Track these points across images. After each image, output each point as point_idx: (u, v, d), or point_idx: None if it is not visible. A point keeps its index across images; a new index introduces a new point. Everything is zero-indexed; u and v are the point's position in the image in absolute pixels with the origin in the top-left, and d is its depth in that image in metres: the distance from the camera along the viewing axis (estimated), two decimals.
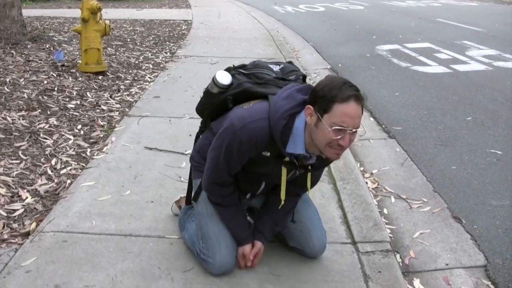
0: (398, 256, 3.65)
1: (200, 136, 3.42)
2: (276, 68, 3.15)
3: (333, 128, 2.54)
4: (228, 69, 3.15)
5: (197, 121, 3.66)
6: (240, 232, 3.19)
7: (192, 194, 3.38)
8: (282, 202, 3.08)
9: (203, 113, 3.33)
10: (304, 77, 3.15)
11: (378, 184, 4.80)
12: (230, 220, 3.16)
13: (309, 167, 2.96)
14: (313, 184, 3.23)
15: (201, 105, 3.30)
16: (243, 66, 3.18)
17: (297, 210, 3.33)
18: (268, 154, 2.82)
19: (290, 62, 3.27)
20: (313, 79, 8.71)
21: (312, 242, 3.28)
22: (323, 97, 2.56)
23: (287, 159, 2.83)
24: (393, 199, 4.53)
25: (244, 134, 2.74)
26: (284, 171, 2.92)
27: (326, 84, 2.61)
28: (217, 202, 3.14)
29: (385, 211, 4.33)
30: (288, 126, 2.71)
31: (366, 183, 4.72)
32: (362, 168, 5.12)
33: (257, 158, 2.86)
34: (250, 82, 3.02)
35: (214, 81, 3.05)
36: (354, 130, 2.58)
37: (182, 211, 3.63)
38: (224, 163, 2.90)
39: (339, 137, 2.56)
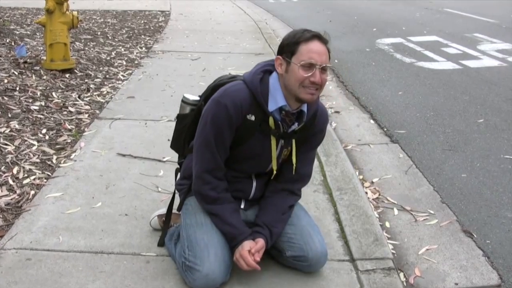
0: (401, 274, 3.66)
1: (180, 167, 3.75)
2: None
3: (302, 63, 2.97)
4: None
5: None
6: (238, 227, 3.26)
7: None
8: (274, 172, 3.37)
9: (179, 141, 3.65)
10: None
11: (379, 195, 4.82)
12: (227, 215, 3.27)
13: (294, 133, 3.28)
14: (304, 166, 3.48)
15: (176, 133, 3.68)
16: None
17: (297, 215, 3.48)
18: (253, 118, 3.15)
19: None
20: None
21: (314, 244, 3.34)
22: (289, 43, 3.05)
23: (271, 122, 3.17)
24: (396, 211, 4.56)
25: (227, 98, 3.10)
26: (273, 140, 3.24)
27: (289, 33, 3.14)
28: (212, 199, 3.26)
29: (387, 224, 4.36)
30: (264, 82, 3.15)
31: (366, 193, 4.75)
32: (361, 177, 5.15)
33: (243, 126, 3.15)
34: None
35: (183, 101, 3.57)
36: (322, 65, 2.98)
37: (167, 238, 3.67)
38: (213, 137, 3.16)
39: (309, 74, 2.98)
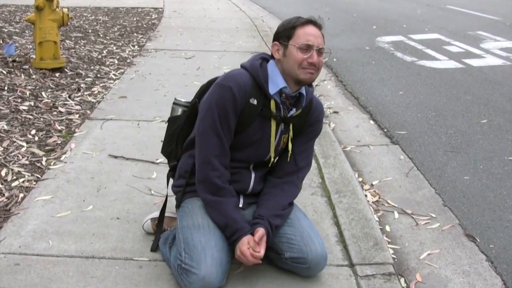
0: (402, 280, 3.66)
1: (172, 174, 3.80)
2: None
3: (299, 45, 3.18)
4: None
5: None
6: (239, 221, 3.27)
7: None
8: (272, 159, 3.48)
9: (171, 145, 3.70)
10: None
11: (379, 197, 4.83)
12: (229, 209, 3.29)
13: (293, 118, 3.42)
14: (303, 158, 3.59)
15: (168, 137, 3.74)
16: None
17: (297, 217, 3.52)
18: (255, 102, 3.28)
19: None
20: None
21: (314, 246, 3.34)
22: (284, 29, 3.28)
23: (273, 105, 3.31)
24: (396, 215, 4.56)
25: (230, 81, 3.25)
26: (273, 123, 3.37)
27: (283, 21, 3.37)
28: (216, 188, 3.28)
29: (387, 228, 4.36)
30: (263, 67, 3.34)
31: (366, 196, 4.76)
32: (360, 179, 5.16)
33: (245, 111, 3.26)
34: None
35: (175, 103, 3.71)
36: (319, 47, 3.20)
37: (161, 242, 3.66)
38: (218, 120, 3.23)
39: (307, 55, 3.19)
